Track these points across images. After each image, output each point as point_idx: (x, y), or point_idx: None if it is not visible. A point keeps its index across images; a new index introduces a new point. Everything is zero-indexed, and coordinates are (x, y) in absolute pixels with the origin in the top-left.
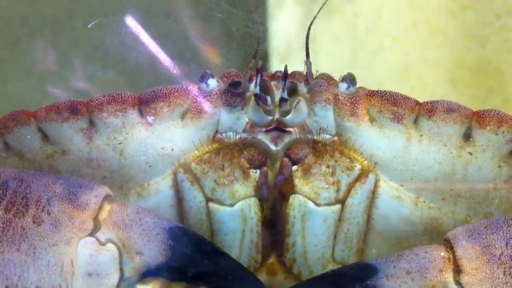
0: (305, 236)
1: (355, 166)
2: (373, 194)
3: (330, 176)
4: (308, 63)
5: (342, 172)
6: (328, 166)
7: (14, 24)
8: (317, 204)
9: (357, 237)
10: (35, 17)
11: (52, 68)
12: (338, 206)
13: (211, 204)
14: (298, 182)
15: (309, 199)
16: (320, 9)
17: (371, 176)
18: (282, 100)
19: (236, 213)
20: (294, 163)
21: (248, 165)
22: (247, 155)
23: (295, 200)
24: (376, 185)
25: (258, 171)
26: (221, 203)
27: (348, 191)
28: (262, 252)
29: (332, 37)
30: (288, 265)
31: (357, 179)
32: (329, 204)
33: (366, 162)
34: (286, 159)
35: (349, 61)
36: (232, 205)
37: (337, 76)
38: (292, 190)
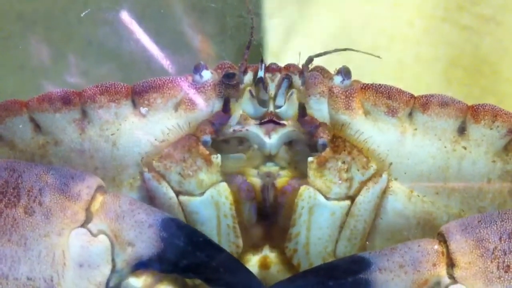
0: (310, 228)
1: (371, 166)
2: (384, 193)
3: (344, 172)
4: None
5: (358, 170)
6: (344, 162)
7: (7, 18)
8: (327, 198)
9: (361, 234)
10: (29, 12)
11: (45, 63)
12: (347, 202)
13: (181, 197)
14: (311, 174)
15: (319, 192)
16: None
17: (384, 176)
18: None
19: (207, 201)
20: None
21: (208, 152)
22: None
23: (305, 192)
24: (387, 186)
25: (219, 155)
26: (190, 194)
27: (360, 188)
28: (254, 243)
29: (327, 35)
30: (288, 255)
31: (370, 178)
32: (338, 199)
33: (381, 164)
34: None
35: (344, 59)
36: (201, 194)
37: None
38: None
